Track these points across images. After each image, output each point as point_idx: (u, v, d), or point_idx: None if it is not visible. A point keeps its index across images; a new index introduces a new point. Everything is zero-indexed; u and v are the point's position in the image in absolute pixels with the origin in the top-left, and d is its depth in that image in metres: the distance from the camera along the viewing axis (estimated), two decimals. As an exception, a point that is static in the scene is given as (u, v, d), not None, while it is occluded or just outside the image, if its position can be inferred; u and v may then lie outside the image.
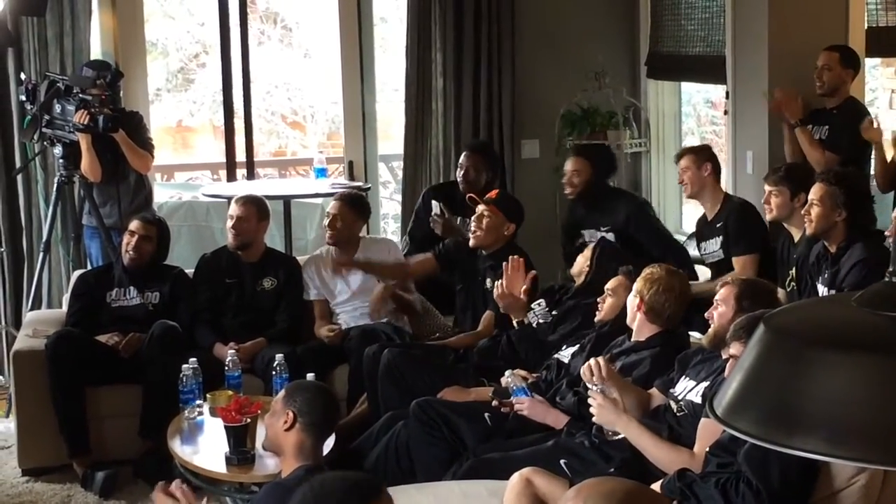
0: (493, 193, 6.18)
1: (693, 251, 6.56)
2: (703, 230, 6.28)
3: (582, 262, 5.58)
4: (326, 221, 6.35)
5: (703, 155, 6.19)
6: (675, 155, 6.55)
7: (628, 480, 2.13)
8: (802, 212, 5.32)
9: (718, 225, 6.13)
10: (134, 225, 6.05)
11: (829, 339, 1.24)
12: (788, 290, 5.61)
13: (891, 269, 1.29)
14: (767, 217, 5.76)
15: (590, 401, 4.17)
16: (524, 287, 5.56)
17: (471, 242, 6.08)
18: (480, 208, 6.03)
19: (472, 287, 6.11)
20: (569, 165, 6.67)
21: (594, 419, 4.17)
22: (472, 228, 6.04)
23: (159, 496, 3.30)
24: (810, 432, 1.17)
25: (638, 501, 2.02)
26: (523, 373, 5.00)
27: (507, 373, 4.88)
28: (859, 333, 1.26)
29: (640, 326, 4.67)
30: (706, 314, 4.41)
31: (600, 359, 4.28)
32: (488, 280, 5.95)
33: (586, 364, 4.33)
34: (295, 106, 12.11)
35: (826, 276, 5.23)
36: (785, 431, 1.19)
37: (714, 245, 6.15)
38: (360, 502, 2.62)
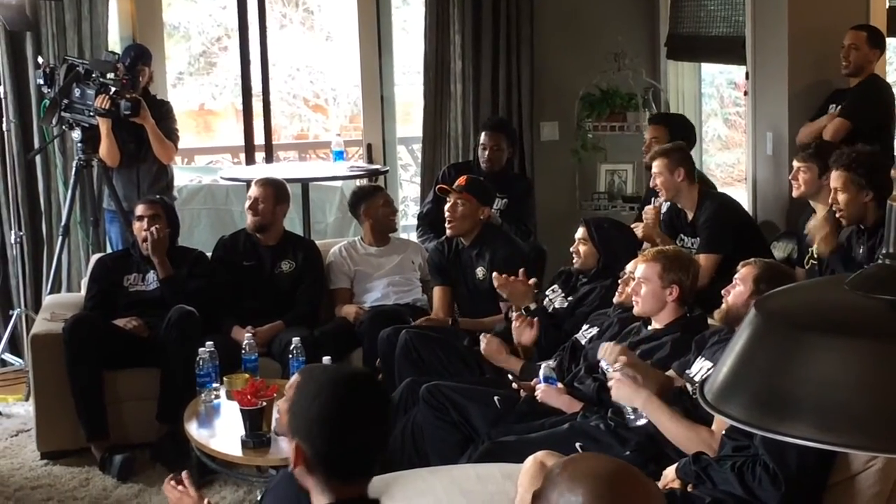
0: (462, 180, 6.14)
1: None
2: (687, 230, 6.19)
3: (587, 251, 5.51)
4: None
5: (675, 159, 6.03)
6: (647, 157, 6.44)
7: (615, 459, 2.12)
8: (830, 200, 5.27)
9: (699, 224, 6.04)
10: (139, 209, 6.05)
11: (820, 323, 1.21)
12: (807, 267, 5.58)
13: (884, 251, 1.27)
14: (794, 193, 5.70)
15: (609, 382, 4.16)
16: (530, 281, 5.52)
17: (448, 232, 6.07)
18: (453, 196, 6.00)
19: (468, 280, 6.08)
20: (648, 133, 6.69)
21: (612, 396, 4.15)
22: (447, 217, 6.02)
23: (168, 488, 3.31)
24: (799, 418, 1.15)
25: (622, 481, 1.99)
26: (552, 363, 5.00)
27: (544, 364, 4.87)
28: (851, 317, 1.24)
29: (662, 313, 4.63)
30: (723, 290, 4.40)
31: (618, 346, 4.27)
32: (478, 270, 5.97)
33: (603, 348, 4.32)
34: (317, 89, 12.11)
35: (862, 251, 5.19)
36: (774, 417, 1.17)
37: (692, 243, 6.08)
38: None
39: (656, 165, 6.07)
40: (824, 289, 1.43)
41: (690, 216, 6.11)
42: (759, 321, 1.25)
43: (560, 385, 4.71)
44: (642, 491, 2.03)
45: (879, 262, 1.27)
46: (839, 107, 6.23)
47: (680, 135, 6.60)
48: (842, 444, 1.12)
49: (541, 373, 4.76)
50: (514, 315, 5.38)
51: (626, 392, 4.11)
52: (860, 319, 1.23)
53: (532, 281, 5.51)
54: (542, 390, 4.65)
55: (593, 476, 1.95)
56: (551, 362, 4.96)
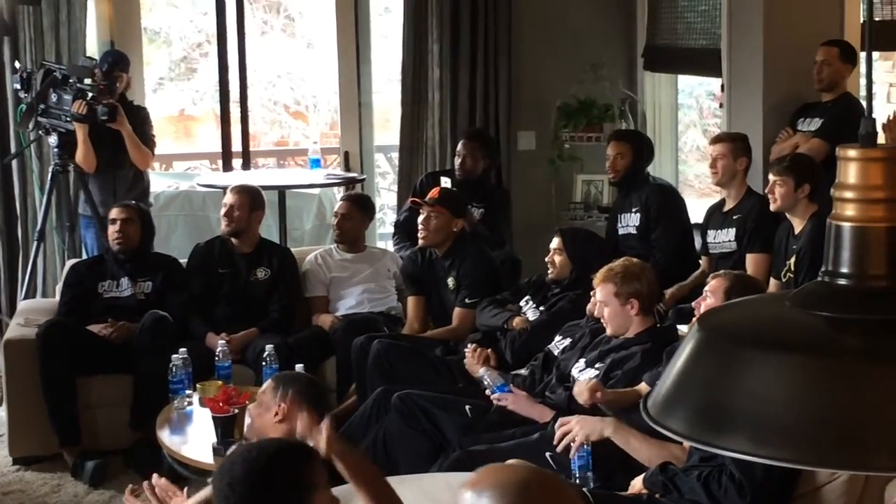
0: (434, 192, 6.17)
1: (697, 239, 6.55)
2: (716, 218, 6.25)
3: (561, 261, 5.54)
4: (334, 221, 6.47)
5: (741, 148, 6.11)
6: (711, 138, 6.49)
7: (529, 466, 2.12)
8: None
9: (735, 217, 6.09)
10: (113, 212, 6.07)
11: (758, 338, 1.23)
12: (784, 280, 5.61)
13: (823, 269, 1.29)
14: (771, 206, 5.73)
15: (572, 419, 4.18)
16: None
17: (420, 242, 6.09)
18: (426, 210, 6.02)
19: (439, 290, 6.10)
20: (611, 150, 6.66)
21: (579, 433, 4.13)
22: (420, 230, 6.04)
23: (128, 500, 3.34)
24: (736, 431, 1.17)
25: (538, 490, 1.98)
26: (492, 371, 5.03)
27: (483, 369, 4.91)
28: (788, 332, 1.26)
29: (631, 327, 4.64)
30: (693, 303, 4.42)
31: (592, 383, 4.30)
32: (450, 280, 6.00)
33: (579, 389, 4.33)
34: (297, 96, 12.10)
35: None
36: (713, 431, 1.19)
37: (725, 236, 6.12)
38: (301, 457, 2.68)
39: (719, 148, 6.10)
40: (766, 305, 1.45)
41: (728, 207, 6.18)
42: (700, 336, 1.27)
43: (516, 390, 4.75)
44: (556, 498, 2.02)
45: (819, 279, 1.29)
46: (809, 120, 6.27)
47: (643, 149, 6.69)
48: (775, 458, 1.14)
49: (487, 381, 4.80)
50: (468, 349, 5.37)
51: (590, 425, 4.13)
52: (796, 335, 1.25)
53: (489, 351, 5.43)
54: (511, 399, 4.68)
55: (502, 485, 1.94)
56: (489, 371, 4.98)
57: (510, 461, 3.24)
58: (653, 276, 4.70)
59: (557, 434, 4.17)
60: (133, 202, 6.29)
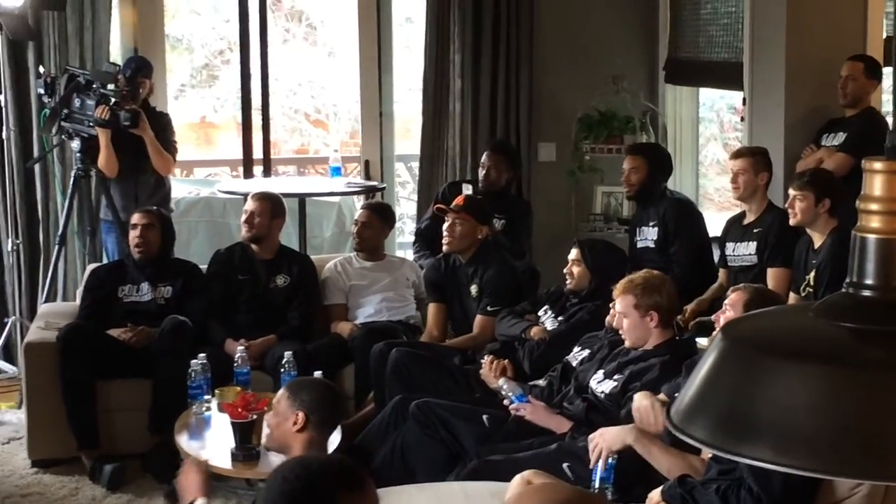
0: (459, 200, 6.17)
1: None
2: (735, 231, 6.24)
3: (580, 273, 5.54)
4: (354, 229, 6.48)
5: (762, 162, 6.10)
6: (731, 153, 6.50)
7: (570, 487, 2.12)
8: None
9: (756, 231, 6.09)
10: (135, 218, 6.11)
11: (781, 348, 1.24)
12: (803, 294, 5.60)
13: (847, 280, 1.29)
14: (791, 221, 5.72)
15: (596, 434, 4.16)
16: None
17: (444, 249, 6.10)
18: (451, 216, 6.03)
19: (462, 297, 6.11)
20: (626, 164, 6.65)
21: (604, 443, 4.11)
22: (445, 236, 6.05)
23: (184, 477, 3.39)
24: (758, 440, 1.17)
25: None
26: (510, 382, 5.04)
27: (503, 380, 4.92)
28: (811, 343, 1.26)
29: (650, 339, 4.63)
30: (713, 317, 4.41)
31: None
32: (473, 287, 6.01)
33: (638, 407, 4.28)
34: (318, 104, 12.15)
35: None
36: (734, 439, 1.20)
37: (746, 249, 6.12)
38: (341, 488, 2.62)
39: (740, 163, 6.09)
40: (789, 315, 1.45)
41: (749, 220, 6.18)
42: (723, 345, 1.28)
43: (534, 400, 4.76)
44: None
45: (843, 290, 1.30)
46: (833, 135, 6.26)
47: (659, 163, 6.66)
48: (796, 467, 1.14)
49: (506, 391, 4.80)
50: (485, 360, 5.38)
51: (612, 435, 4.12)
52: (819, 345, 1.26)
53: (505, 362, 5.43)
54: (529, 410, 4.68)
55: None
56: (508, 381, 4.99)
57: (554, 481, 3.25)
58: (673, 289, 4.70)
59: (592, 455, 4.12)
60: (154, 207, 6.32)
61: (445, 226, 6.05)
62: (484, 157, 7.10)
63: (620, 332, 4.66)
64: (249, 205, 6.23)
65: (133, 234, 6.06)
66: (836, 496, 3.64)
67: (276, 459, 4.48)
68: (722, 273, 6.29)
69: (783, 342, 1.27)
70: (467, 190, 6.89)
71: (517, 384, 4.94)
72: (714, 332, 4.29)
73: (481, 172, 7.05)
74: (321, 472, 2.61)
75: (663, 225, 6.44)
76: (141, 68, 6.78)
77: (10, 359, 7.14)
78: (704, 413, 1.24)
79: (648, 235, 6.53)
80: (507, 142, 7.59)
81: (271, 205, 6.24)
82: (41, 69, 6.76)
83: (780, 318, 1.44)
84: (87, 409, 5.66)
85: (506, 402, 4.83)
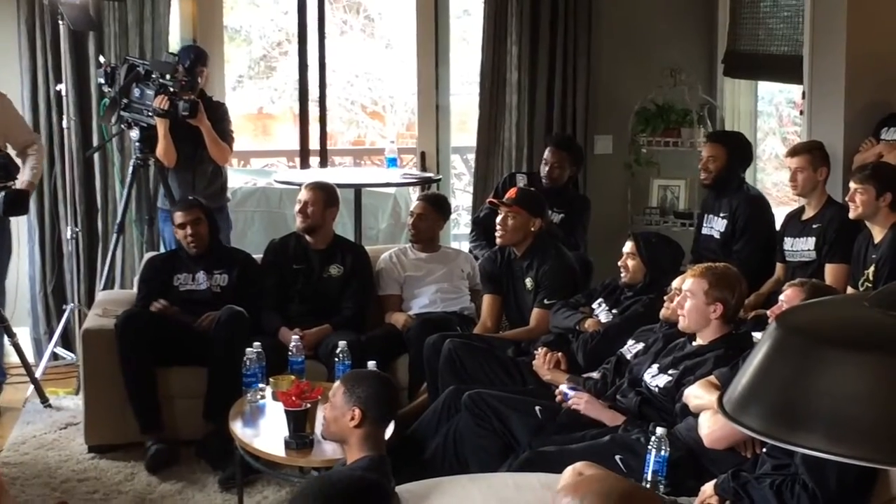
0: (511, 193, 6.14)
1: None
2: (794, 226, 6.20)
3: (634, 266, 5.52)
4: (410, 220, 6.50)
5: (820, 157, 6.06)
6: (787, 150, 6.44)
7: (626, 480, 2.11)
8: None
9: (815, 226, 6.04)
10: (179, 217, 6.12)
11: (836, 338, 1.23)
12: (862, 289, 5.54)
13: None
14: (851, 214, 5.66)
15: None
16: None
17: (498, 242, 6.09)
18: (504, 210, 6.02)
19: (517, 290, 6.10)
20: (706, 151, 6.61)
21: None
22: (498, 230, 6.04)
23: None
24: (811, 429, 1.17)
25: (634, 502, 1.98)
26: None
27: (563, 386, 4.91)
28: (867, 333, 1.25)
29: (707, 330, 4.59)
30: (769, 311, 4.37)
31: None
32: (528, 280, 5.99)
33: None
34: (375, 96, 12.18)
35: None
36: (787, 428, 1.19)
37: (804, 244, 6.07)
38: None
39: (797, 160, 6.05)
40: (845, 306, 1.44)
41: (808, 216, 6.13)
42: (778, 334, 1.27)
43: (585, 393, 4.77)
44: None
45: (900, 280, 1.29)
46: (893, 129, 6.19)
47: (738, 153, 6.58)
48: (850, 456, 1.14)
49: (565, 388, 4.80)
50: (539, 352, 5.38)
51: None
52: (875, 335, 1.24)
53: (559, 355, 5.43)
54: (584, 402, 4.68)
55: (603, 493, 1.94)
56: (567, 383, 5.00)
57: (607, 472, 3.24)
58: (744, 290, 4.67)
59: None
60: (192, 199, 6.32)
61: (498, 219, 6.04)
62: (547, 153, 7.07)
63: (680, 311, 4.60)
64: (303, 194, 6.25)
65: (183, 233, 6.08)
66: (892, 492, 3.61)
67: (329, 447, 4.50)
68: (779, 268, 6.23)
69: (839, 332, 1.26)
70: (521, 182, 6.87)
71: (570, 377, 4.92)
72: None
73: (544, 169, 7.01)
74: (345, 494, 2.62)
75: (732, 220, 6.39)
76: (199, 58, 6.82)
77: (69, 345, 7.22)
78: (757, 402, 1.23)
79: (715, 226, 6.48)
80: (572, 138, 7.55)
81: (325, 194, 6.25)
82: (101, 59, 6.82)
83: (835, 307, 1.43)
84: (149, 393, 5.71)
85: (559, 398, 4.82)
